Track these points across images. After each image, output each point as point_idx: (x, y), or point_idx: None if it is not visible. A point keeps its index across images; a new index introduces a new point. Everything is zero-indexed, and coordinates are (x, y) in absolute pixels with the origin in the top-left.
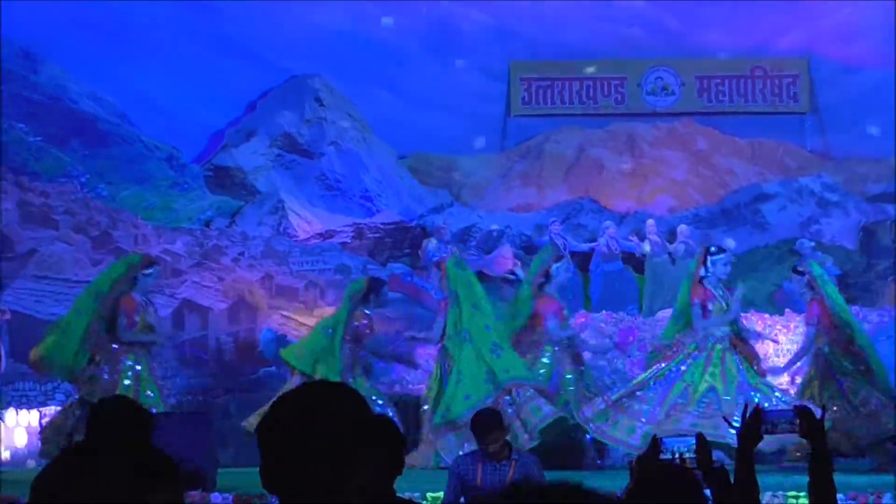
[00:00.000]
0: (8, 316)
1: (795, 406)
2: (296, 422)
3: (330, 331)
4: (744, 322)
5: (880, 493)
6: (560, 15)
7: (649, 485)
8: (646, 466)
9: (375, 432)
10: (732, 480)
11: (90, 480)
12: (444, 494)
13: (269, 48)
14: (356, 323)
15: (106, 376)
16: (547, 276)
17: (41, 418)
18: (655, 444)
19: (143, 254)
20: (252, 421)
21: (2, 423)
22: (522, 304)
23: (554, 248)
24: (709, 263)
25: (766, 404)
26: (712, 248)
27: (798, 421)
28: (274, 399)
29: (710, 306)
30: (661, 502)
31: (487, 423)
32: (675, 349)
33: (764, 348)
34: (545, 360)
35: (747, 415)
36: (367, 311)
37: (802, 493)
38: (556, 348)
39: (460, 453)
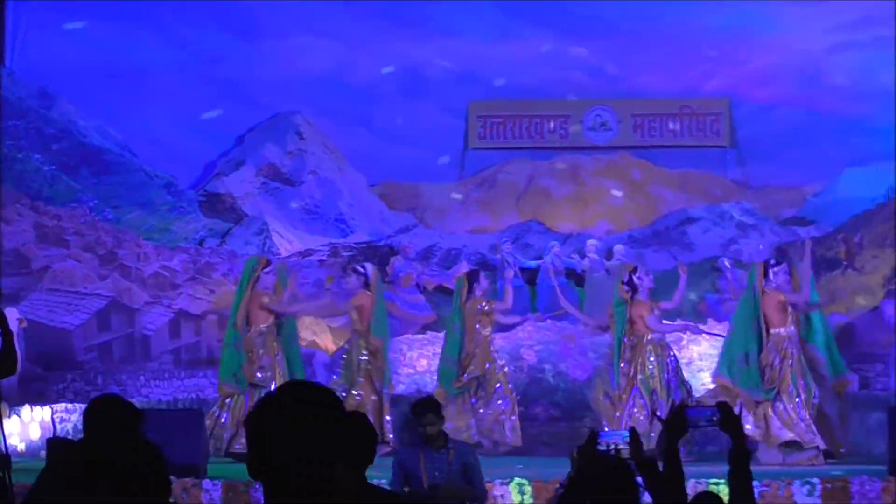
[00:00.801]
0: (25, 324)
1: (716, 402)
2: (280, 416)
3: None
4: None
5: (790, 480)
6: (512, 61)
7: (588, 474)
8: (585, 457)
9: (350, 427)
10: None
11: (86, 477)
12: (390, 485)
13: (257, 88)
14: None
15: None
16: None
17: (53, 414)
18: (593, 436)
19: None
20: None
21: (19, 419)
22: None
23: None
24: (771, 275)
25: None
26: (772, 261)
27: (718, 416)
28: (262, 396)
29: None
30: (598, 489)
31: (423, 407)
32: None
33: (689, 353)
34: None
35: (671, 411)
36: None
37: (723, 481)
38: None
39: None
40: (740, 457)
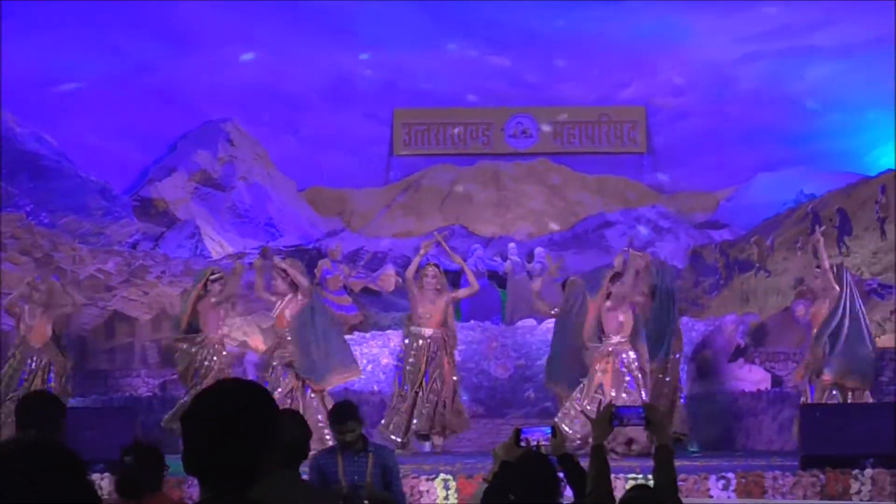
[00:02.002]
0: None
1: (644, 403)
2: (214, 413)
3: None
4: None
5: (706, 474)
6: (436, 70)
7: (510, 469)
8: (507, 453)
9: (282, 423)
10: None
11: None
12: None
13: (188, 97)
14: None
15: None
16: None
17: None
18: (516, 433)
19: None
20: (168, 419)
21: None
22: None
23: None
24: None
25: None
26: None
27: (645, 416)
28: (196, 393)
29: None
30: (520, 484)
31: (343, 414)
32: None
33: None
34: None
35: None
36: None
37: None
38: None
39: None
40: (665, 455)
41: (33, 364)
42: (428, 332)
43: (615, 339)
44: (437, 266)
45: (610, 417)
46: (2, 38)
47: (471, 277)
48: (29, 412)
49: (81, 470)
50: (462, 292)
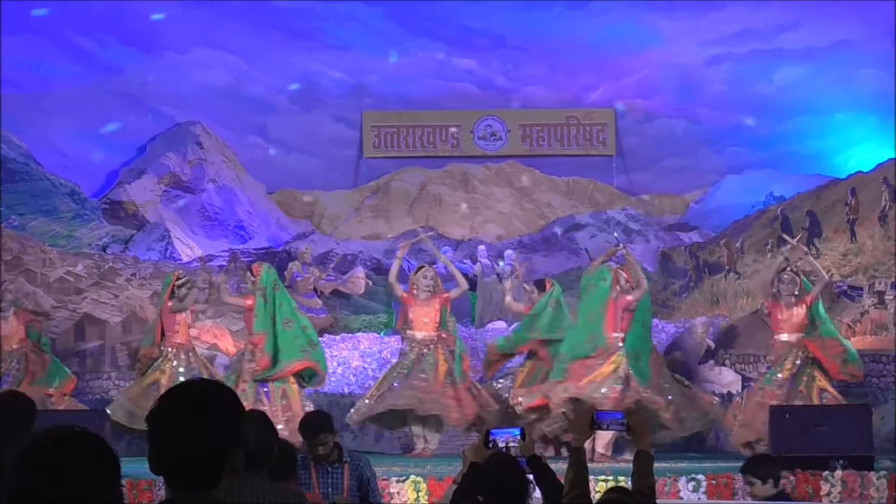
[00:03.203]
0: None
1: (625, 409)
2: (180, 413)
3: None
4: None
5: (676, 476)
6: (405, 73)
7: (480, 469)
8: (476, 454)
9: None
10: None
11: None
12: None
13: (157, 99)
14: None
15: None
16: None
17: None
18: (486, 435)
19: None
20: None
21: None
22: None
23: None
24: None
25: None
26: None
27: (625, 421)
28: (163, 393)
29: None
30: (490, 483)
31: (315, 426)
32: None
33: None
34: None
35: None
36: None
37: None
38: None
39: None
40: (645, 460)
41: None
42: (420, 335)
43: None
44: (431, 266)
45: (591, 422)
46: None
47: (458, 276)
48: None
49: (116, 460)
50: (454, 292)
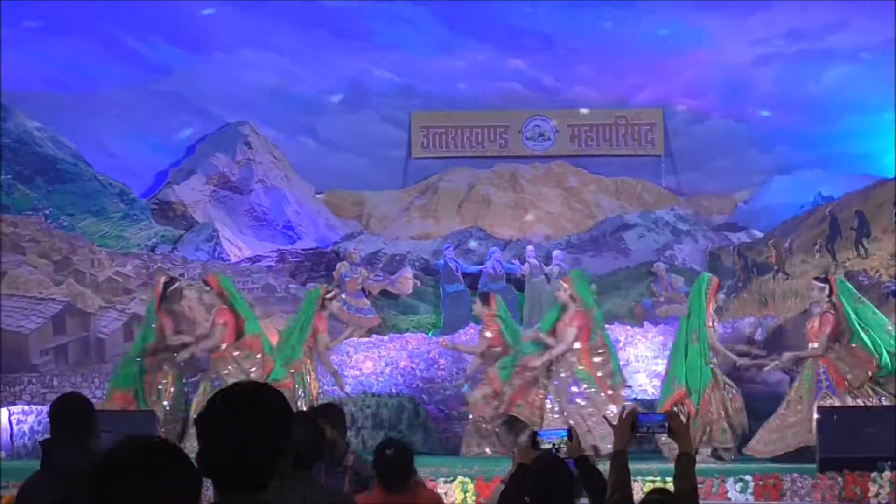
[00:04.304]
0: None
1: (666, 412)
2: (230, 416)
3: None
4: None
5: (724, 476)
6: (453, 73)
7: (528, 470)
8: (524, 455)
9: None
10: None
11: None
12: None
13: (206, 100)
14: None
15: None
16: None
17: (10, 415)
18: (533, 436)
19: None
20: None
21: None
22: None
23: (447, 269)
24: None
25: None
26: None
27: (667, 424)
28: (212, 395)
29: None
30: (536, 484)
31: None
32: None
33: (626, 355)
34: None
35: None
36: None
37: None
38: None
39: None
40: (687, 462)
41: None
42: None
43: None
44: None
45: (632, 424)
46: (21, 43)
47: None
48: (62, 414)
49: (191, 467)
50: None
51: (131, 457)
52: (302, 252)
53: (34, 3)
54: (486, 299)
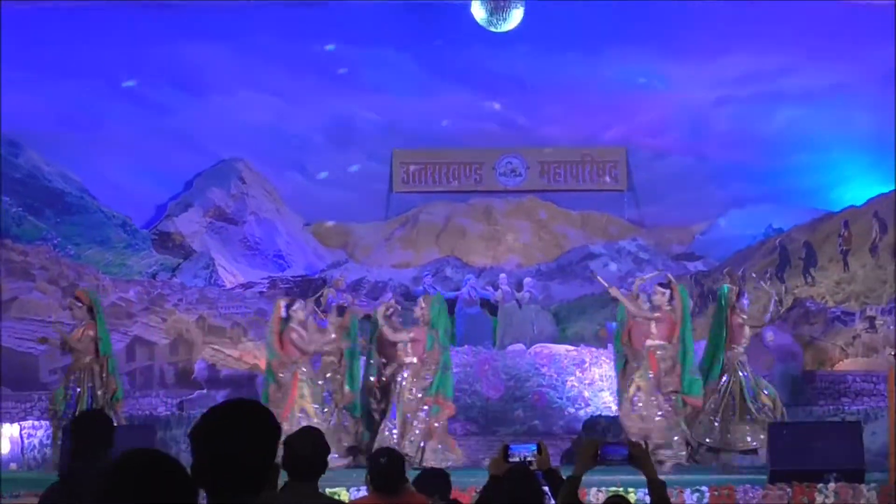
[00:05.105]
0: None
1: (629, 441)
2: (224, 431)
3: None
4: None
5: (682, 488)
6: (431, 113)
7: (500, 481)
8: (496, 468)
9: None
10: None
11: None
12: None
13: (203, 137)
14: None
15: None
16: None
17: (21, 430)
18: (504, 449)
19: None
20: None
21: None
22: None
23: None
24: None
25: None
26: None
27: (628, 454)
28: (205, 411)
29: None
30: (508, 494)
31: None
32: None
33: (591, 374)
34: None
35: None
36: None
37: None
38: None
39: None
40: (657, 488)
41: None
42: None
43: None
44: None
45: (595, 454)
46: (31, 84)
47: None
48: (83, 429)
49: (189, 479)
50: None
51: (133, 468)
52: (291, 279)
53: (43, 48)
54: (341, 312)
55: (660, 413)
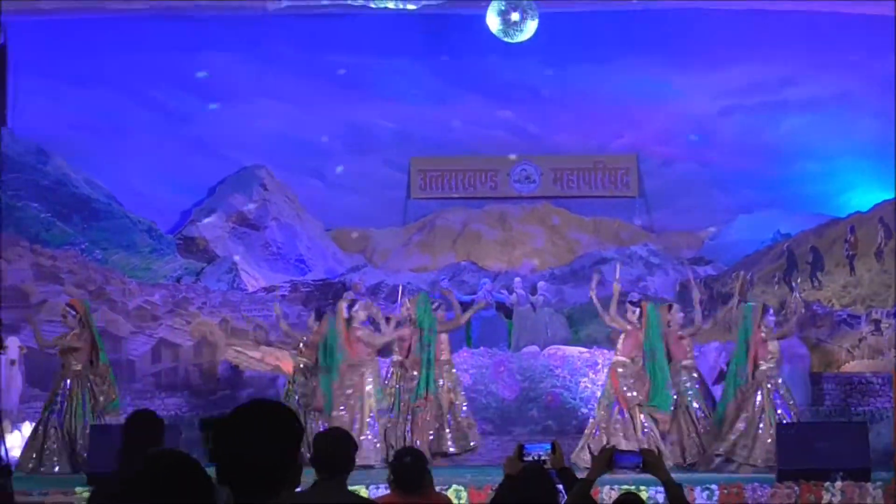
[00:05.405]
0: (25, 351)
1: (642, 449)
2: (246, 430)
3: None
4: None
5: (692, 486)
6: (448, 122)
7: (515, 479)
8: (511, 467)
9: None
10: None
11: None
12: None
13: (225, 145)
14: None
15: None
16: None
17: None
18: (519, 448)
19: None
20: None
21: (20, 434)
22: None
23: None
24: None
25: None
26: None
27: (641, 462)
28: (231, 410)
29: None
30: (521, 494)
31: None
32: None
33: (603, 376)
34: None
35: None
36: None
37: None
38: None
39: None
40: (673, 490)
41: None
42: None
43: None
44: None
45: (609, 460)
46: (59, 94)
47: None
48: (135, 429)
49: (209, 480)
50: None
51: (157, 469)
52: (312, 283)
53: (70, 60)
54: (320, 314)
55: (616, 426)
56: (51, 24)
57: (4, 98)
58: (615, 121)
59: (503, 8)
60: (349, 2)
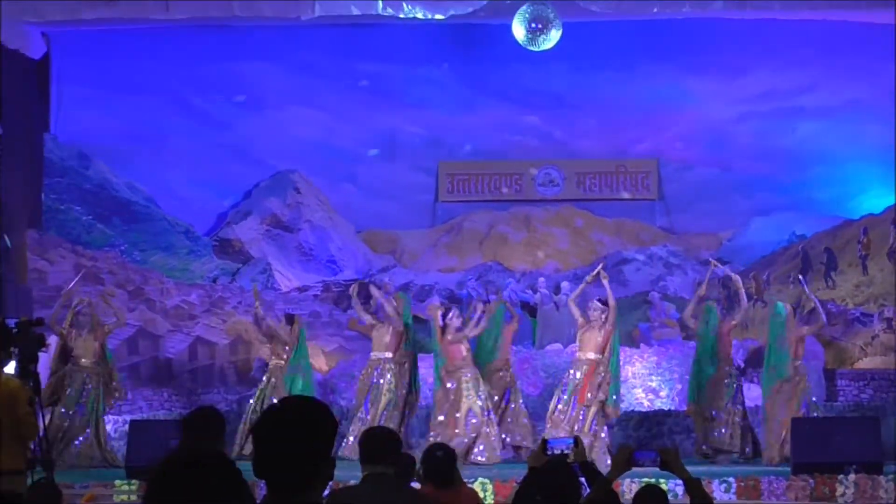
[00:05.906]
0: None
1: (659, 448)
2: (285, 426)
3: None
4: None
5: (710, 479)
6: (475, 128)
7: (539, 473)
8: (535, 460)
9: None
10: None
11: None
12: None
13: (261, 151)
14: None
15: None
16: None
17: None
18: (544, 443)
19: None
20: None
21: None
22: None
23: (469, 298)
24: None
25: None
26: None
27: (659, 459)
28: (269, 406)
29: None
30: (546, 485)
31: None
32: None
33: (624, 373)
34: None
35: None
36: None
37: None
38: None
39: None
40: (694, 486)
41: (90, 385)
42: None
43: None
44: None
45: (627, 459)
46: (101, 101)
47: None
48: (196, 425)
49: (240, 477)
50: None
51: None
52: (343, 283)
53: (111, 68)
54: (290, 320)
55: (561, 417)
56: (93, 35)
57: (48, 106)
58: (636, 126)
59: (529, 17)
60: (379, 12)
